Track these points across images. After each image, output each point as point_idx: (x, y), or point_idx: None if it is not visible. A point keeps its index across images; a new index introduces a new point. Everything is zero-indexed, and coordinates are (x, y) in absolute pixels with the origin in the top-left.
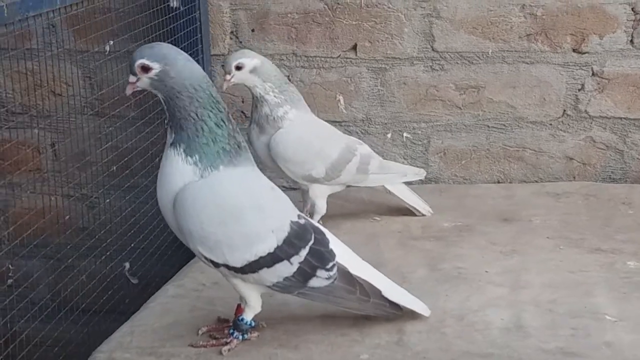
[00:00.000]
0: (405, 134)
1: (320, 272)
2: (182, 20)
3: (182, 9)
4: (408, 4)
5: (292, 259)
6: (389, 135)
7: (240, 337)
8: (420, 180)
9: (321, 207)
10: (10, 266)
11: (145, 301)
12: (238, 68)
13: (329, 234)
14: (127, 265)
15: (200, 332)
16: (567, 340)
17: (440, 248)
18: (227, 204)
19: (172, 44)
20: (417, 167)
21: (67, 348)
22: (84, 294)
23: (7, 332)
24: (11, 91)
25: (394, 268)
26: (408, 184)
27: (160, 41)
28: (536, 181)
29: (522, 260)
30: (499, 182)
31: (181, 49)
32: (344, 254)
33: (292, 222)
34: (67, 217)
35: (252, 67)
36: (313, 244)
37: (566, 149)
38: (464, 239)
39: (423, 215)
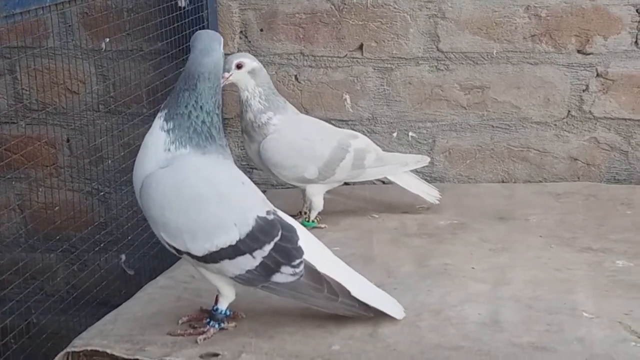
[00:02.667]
0: (410, 134)
1: (285, 268)
2: (189, 19)
3: (189, 8)
4: (414, 5)
5: (255, 253)
6: (394, 135)
7: (217, 326)
8: (426, 179)
9: (317, 204)
10: None
11: None
12: (238, 67)
13: (302, 232)
14: (123, 257)
15: (180, 322)
16: (540, 335)
17: (431, 245)
18: (189, 193)
19: (179, 41)
20: (423, 166)
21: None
22: (97, 285)
23: (22, 323)
24: (28, 88)
25: (381, 263)
26: (416, 172)
27: (169, 39)
28: (540, 181)
29: (510, 257)
30: (503, 182)
31: (188, 47)
32: (315, 252)
33: (258, 216)
34: (72, 213)
35: (251, 69)
36: (279, 240)
37: (570, 149)
38: (456, 236)
39: (431, 203)
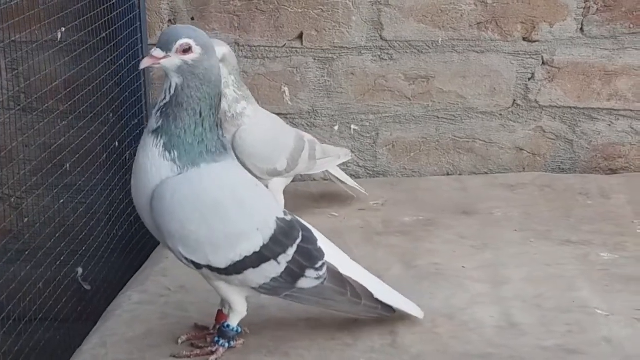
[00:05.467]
0: (353, 126)
1: (310, 272)
2: (121, 9)
3: None
4: None
5: (280, 258)
6: (336, 128)
7: (227, 344)
8: (369, 173)
9: (281, 201)
10: None
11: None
12: None
13: (315, 231)
14: (80, 270)
15: (180, 341)
16: (564, 337)
17: (409, 243)
18: (208, 201)
19: (112, 35)
20: (366, 160)
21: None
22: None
23: None
24: None
25: (366, 266)
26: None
27: (101, 31)
28: (486, 172)
29: (496, 254)
30: (448, 174)
31: (121, 39)
32: (333, 253)
33: (278, 218)
34: None
35: (222, 54)
36: (301, 241)
37: (516, 139)
38: (430, 233)
39: (364, 194)
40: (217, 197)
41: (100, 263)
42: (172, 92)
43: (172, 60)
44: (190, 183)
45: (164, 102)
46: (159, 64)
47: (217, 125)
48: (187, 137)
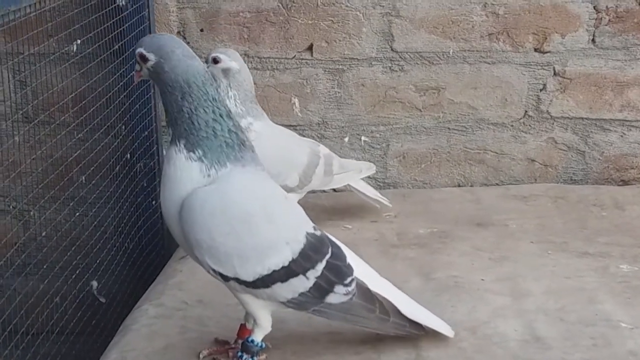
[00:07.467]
0: (363, 138)
1: (338, 288)
2: (132, 21)
3: (130, 8)
4: (366, 2)
5: (308, 274)
6: (346, 139)
7: (250, 359)
8: (379, 184)
9: None
10: None
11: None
12: (215, 61)
13: (344, 247)
14: (95, 283)
15: (201, 356)
16: (590, 350)
17: (426, 256)
18: (238, 213)
19: (123, 46)
20: (376, 171)
21: None
22: (23, 314)
23: None
24: None
25: (385, 278)
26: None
27: (113, 42)
28: (497, 184)
29: (514, 266)
30: (459, 186)
31: (131, 51)
32: (362, 269)
33: (307, 233)
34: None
35: (226, 67)
36: (330, 257)
37: (528, 150)
38: (446, 245)
39: (387, 206)
40: (247, 210)
41: (113, 277)
42: (162, 100)
43: (144, 71)
44: (221, 194)
45: (165, 115)
46: (141, 75)
47: (222, 117)
48: (199, 132)
